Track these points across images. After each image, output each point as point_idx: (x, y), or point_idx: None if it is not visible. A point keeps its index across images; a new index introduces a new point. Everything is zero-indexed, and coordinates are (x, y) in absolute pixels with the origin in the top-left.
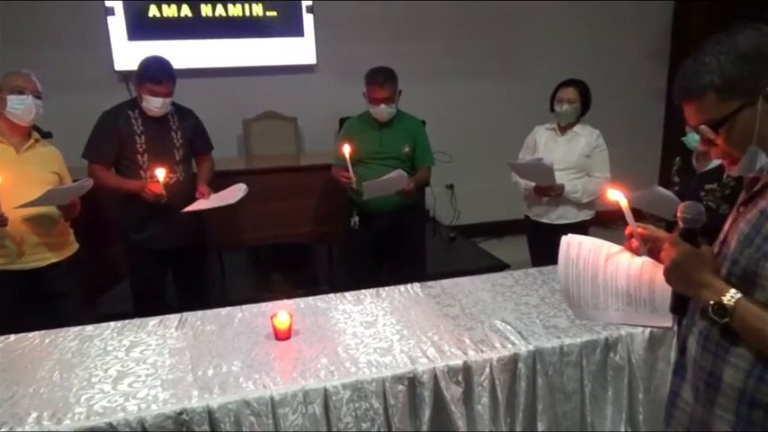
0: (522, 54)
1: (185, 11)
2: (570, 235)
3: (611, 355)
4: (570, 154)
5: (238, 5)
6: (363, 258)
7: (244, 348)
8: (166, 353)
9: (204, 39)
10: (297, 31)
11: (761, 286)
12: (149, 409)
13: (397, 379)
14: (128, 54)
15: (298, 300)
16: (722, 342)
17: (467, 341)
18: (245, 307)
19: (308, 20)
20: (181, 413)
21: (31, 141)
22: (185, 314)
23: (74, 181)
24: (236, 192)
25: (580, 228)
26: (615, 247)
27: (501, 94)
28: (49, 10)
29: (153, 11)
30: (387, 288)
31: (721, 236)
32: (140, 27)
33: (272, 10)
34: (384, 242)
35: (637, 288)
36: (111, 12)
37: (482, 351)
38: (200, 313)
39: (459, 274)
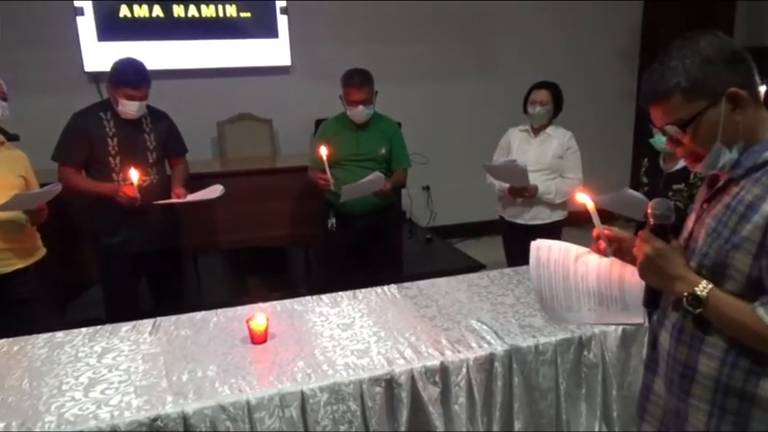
0: (496, 55)
1: (157, 11)
2: (539, 240)
3: (585, 352)
4: (543, 155)
5: (211, 6)
6: (341, 260)
7: (219, 353)
8: (140, 359)
9: (177, 40)
10: (271, 32)
11: (730, 276)
12: (122, 416)
13: (375, 381)
14: (98, 55)
15: (274, 303)
16: (696, 333)
17: (444, 341)
18: (220, 311)
19: (283, 21)
20: (155, 419)
21: None
22: (159, 319)
23: (41, 185)
24: (212, 192)
25: (554, 228)
26: (582, 250)
27: (475, 96)
28: (15, 9)
29: (124, 11)
30: (363, 290)
31: (686, 233)
32: (111, 27)
33: (246, 11)
34: (361, 244)
35: (607, 287)
36: (80, 12)
37: (459, 351)
38: (174, 318)
39: (435, 275)
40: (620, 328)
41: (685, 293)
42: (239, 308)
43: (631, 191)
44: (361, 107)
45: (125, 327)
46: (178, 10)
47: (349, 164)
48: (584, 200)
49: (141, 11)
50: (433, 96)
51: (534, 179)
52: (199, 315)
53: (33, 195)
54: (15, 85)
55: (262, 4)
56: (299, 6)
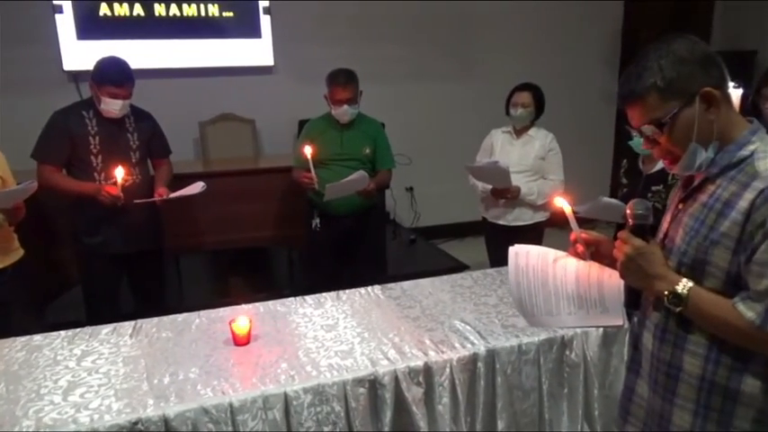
0: (479, 57)
1: (138, 10)
2: (517, 246)
3: (568, 352)
4: (525, 157)
5: (193, 6)
6: (325, 260)
7: (201, 355)
8: (120, 361)
9: (158, 39)
10: (254, 32)
11: (710, 273)
12: (102, 419)
13: (358, 381)
14: (77, 53)
15: (257, 304)
16: (680, 332)
17: (427, 342)
18: (202, 312)
19: (266, 21)
20: (136, 423)
21: None
22: (140, 321)
23: (18, 185)
24: (194, 188)
25: (536, 229)
26: (561, 254)
27: (458, 97)
28: None
29: (104, 9)
30: (347, 291)
31: (661, 233)
32: (90, 26)
33: (229, 11)
34: (345, 244)
35: (586, 290)
36: (59, 9)
37: (442, 351)
38: (155, 320)
39: (419, 276)
40: (602, 328)
41: (666, 292)
42: (222, 309)
43: (607, 198)
44: (345, 106)
45: (105, 329)
46: (159, 9)
47: (333, 163)
48: (561, 203)
49: (122, 9)
50: (417, 97)
51: (516, 180)
52: (181, 317)
53: (8, 193)
54: None
55: (244, 3)
56: (282, 6)
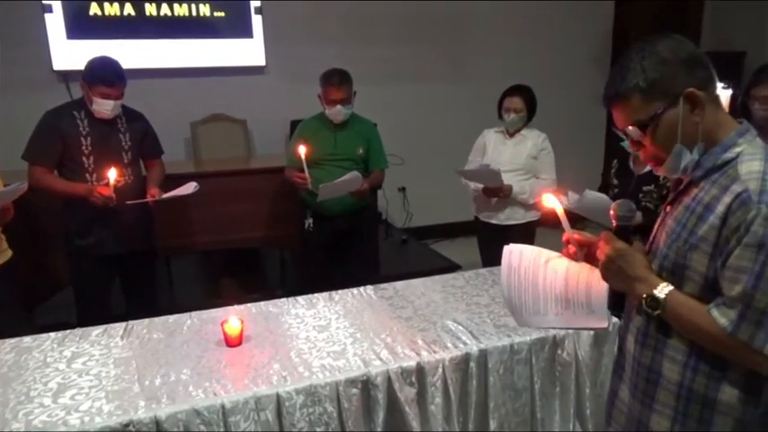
0: (471, 57)
1: (128, 9)
2: (512, 245)
3: (559, 352)
4: (518, 156)
5: (184, 5)
6: (317, 261)
7: (193, 356)
8: (111, 363)
9: (149, 39)
10: (245, 32)
11: (689, 278)
12: (93, 422)
13: (351, 382)
14: (67, 53)
15: (249, 305)
16: (660, 336)
17: (419, 342)
18: (194, 313)
19: (257, 21)
20: (127, 425)
21: None
22: (131, 322)
23: (5, 185)
24: (186, 189)
25: (528, 228)
26: (554, 254)
27: (450, 97)
28: None
29: (94, 9)
30: (340, 291)
31: (651, 236)
32: (80, 25)
33: (220, 10)
34: (337, 244)
35: (574, 292)
36: (48, 9)
37: (434, 351)
38: (146, 321)
39: (411, 276)
40: None
41: (644, 295)
42: (213, 310)
43: (592, 192)
44: (339, 106)
45: (96, 331)
46: (150, 8)
47: (326, 163)
48: (553, 203)
49: (112, 9)
50: (409, 98)
51: (509, 179)
52: (172, 318)
53: None
54: None
55: (236, 3)
56: (273, 7)
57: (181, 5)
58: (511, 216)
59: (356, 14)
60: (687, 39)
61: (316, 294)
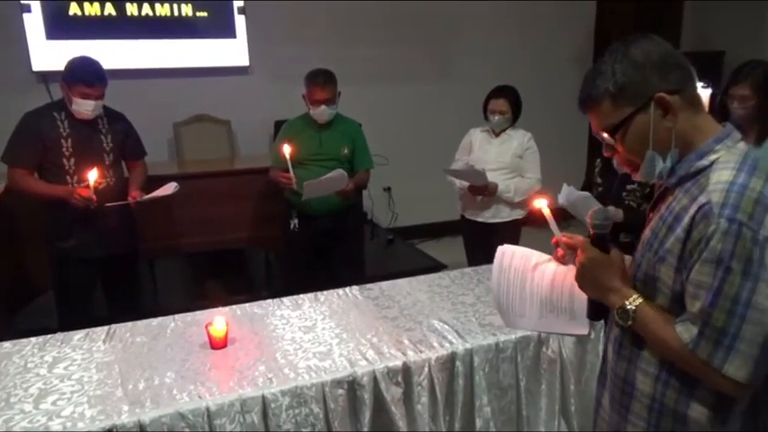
0: (455, 57)
1: (109, 9)
2: (506, 245)
3: (544, 349)
4: (503, 155)
5: (166, 5)
6: (303, 261)
7: (177, 359)
8: (93, 367)
9: (130, 39)
10: (228, 32)
11: (659, 290)
12: (75, 427)
13: (337, 383)
14: (46, 54)
15: (234, 307)
16: (634, 348)
17: (405, 342)
18: (178, 316)
19: (240, 21)
20: (110, 430)
21: None
22: (113, 326)
23: None
24: (167, 189)
25: (513, 226)
26: (544, 257)
27: (434, 97)
28: None
29: (74, 9)
30: (325, 292)
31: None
32: (60, 25)
33: (202, 10)
34: (323, 244)
35: (558, 296)
36: (27, 9)
37: (421, 351)
38: (129, 324)
39: (397, 276)
40: None
41: (616, 306)
42: (198, 312)
43: (569, 187)
44: (323, 107)
45: (77, 335)
46: (131, 8)
47: (311, 163)
48: (541, 206)
49: (92, 9)
50: (393, 98)
51: (494, 178)
52: (156, 321)
53: None
54: None
55: (218, 3)
56: (257, 6)
57: (162, 5)
58: (496, 214)
59: (341, 14)
60: (666, 39)
61: (301, 295)
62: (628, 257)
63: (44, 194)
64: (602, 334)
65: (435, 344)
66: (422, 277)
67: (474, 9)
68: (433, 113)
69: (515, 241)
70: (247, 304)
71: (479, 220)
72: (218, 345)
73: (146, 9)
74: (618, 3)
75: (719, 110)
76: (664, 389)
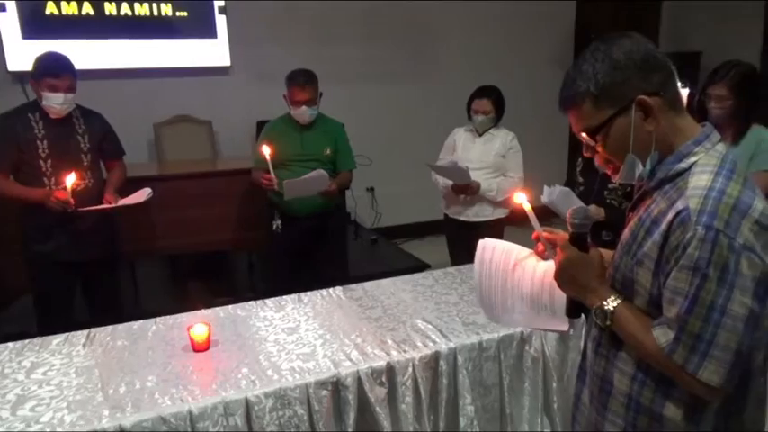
0: (436, 57)
1: (87, 9)
2: (487, 239)
3: (527, 347)
4: (486, 154)
5: (145, 5)
6: (286, 262)
7: (159, 362)
8: (73, 372)
9: (109, 39)
10: (209, 32)
11: (637, 292)
12: None
13: (321, 384)
14: (22, 54)
15: (217, 309)
16: (611, 347)
17: (389, 342)
18: (159, 319)
19: (221, 21)
20: None
21: None
22: (93, 330)
23: None
24: (140, 196)
25: (496, 225)
26: (525, 252)
27: (417, 97)
28: None
29: (50, 8)
30: (309, 293)
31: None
32: (36, 25)
33: (182, 10)
34: (307, 245)
35: (539, 292)
36: (2, 8)
37: (404, 351)
38: (109, 328)
39: (380, 276)
40: None
41: (594, 306)
42: (180, 315)
43: (549, 187)
44: (304, 107)
45: (56, 339)
46: (110, 8)
47: (293, 164)
48: (522, 201)
49: (69, 8)
50: (376, 98)
51: (477, 177)
52: (136, 324)
53: None
54: None
55: (199, 3)
56: (237, 6)
57: (142, 5)
58: (479, 213)
59: (322, 14)
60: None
61: (284, 296)
62: (609, 252)
63: (20, 198)
64: (583, 331)
65: (419, 343)
66: (405, 277)
67: (455, 9)
68: (415, 113)
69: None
70: (230, 306)
71: (462, 218)
72: (200, 347)
73: (125, 8)
74: (597, 2)
75: (698, 109)
76: (640, 388)
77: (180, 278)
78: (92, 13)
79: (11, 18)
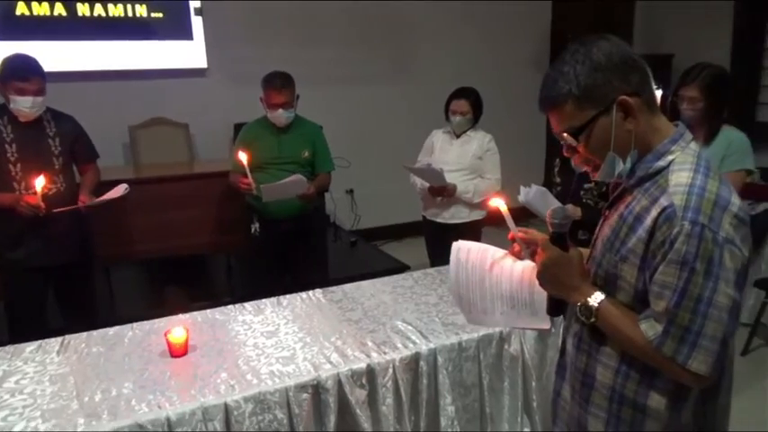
0: (414, 58)
1: (59, 9)
2: (461, 241)
3: (506, 347)
4: (463, 156)
5: (119, 6)
6: (265, 266)
7: (135, 369)
8: (46, 380)
9: (82, 40)
10: (185, 33)
11: (621, 288)
12: None
13: (301, 387)
14: None
15: (194, 313)
16: (593, 342)
17: (369, 344)
18: (136, 325)
19: (197, 22)
20: None
21: None
22: (68, 337)
23: None
24: (116, 192)
25: (473, 226)
26: (500, 252)
27: (394, 98)
28: None
29: (21, 9)
30: (288, 296)
31: (594, 239)
32: (6, 26)
33: (157, 11)
34: (286, 248)
35: (518, 291)
36: None
37: (385, 353)
38: (84, 335)
39: (360, 278)
40: None
41: (578, 303)
42: (157, 320)
43: (526, 188)
44: (281, 110)
45: (29, 347)
46: (83, 8)
47: (271, 167)
48: (498, 204)
49: (41, 9)
50: (353, 99)
51: (454, 179)
52: (112, 330)
53: None
54: None
55: (174, 4)
56: (214, 7)
57: (116, 6)
58: (456, 215)
59: (300, 16)
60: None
61: (263, 300)
62: (585, 250)
63: None
64: (561, 329)
65: (399, 345)
66: (385, 279)
67: (432, 10)
68: (393, 115)
69: (476, 241)
70: (208, 310)
71: (439, 220)
72: (178, 353)
73: (98, 9)
74: (572, 3)
75: (671, 111)
76: (624, 380)
77: (157, 282)
78: (64, 13)
79: None
